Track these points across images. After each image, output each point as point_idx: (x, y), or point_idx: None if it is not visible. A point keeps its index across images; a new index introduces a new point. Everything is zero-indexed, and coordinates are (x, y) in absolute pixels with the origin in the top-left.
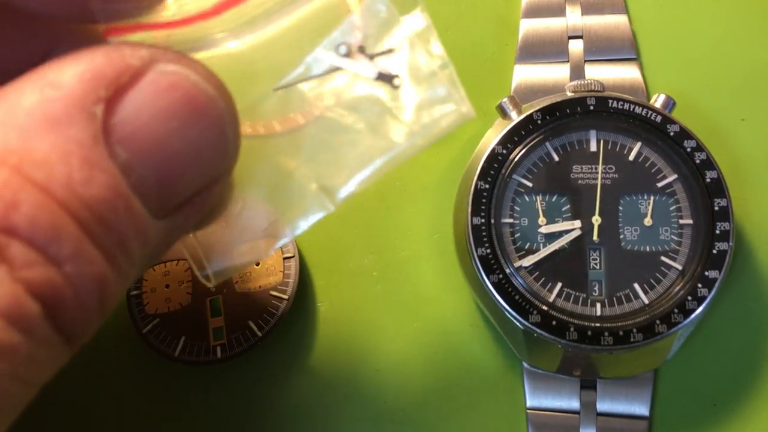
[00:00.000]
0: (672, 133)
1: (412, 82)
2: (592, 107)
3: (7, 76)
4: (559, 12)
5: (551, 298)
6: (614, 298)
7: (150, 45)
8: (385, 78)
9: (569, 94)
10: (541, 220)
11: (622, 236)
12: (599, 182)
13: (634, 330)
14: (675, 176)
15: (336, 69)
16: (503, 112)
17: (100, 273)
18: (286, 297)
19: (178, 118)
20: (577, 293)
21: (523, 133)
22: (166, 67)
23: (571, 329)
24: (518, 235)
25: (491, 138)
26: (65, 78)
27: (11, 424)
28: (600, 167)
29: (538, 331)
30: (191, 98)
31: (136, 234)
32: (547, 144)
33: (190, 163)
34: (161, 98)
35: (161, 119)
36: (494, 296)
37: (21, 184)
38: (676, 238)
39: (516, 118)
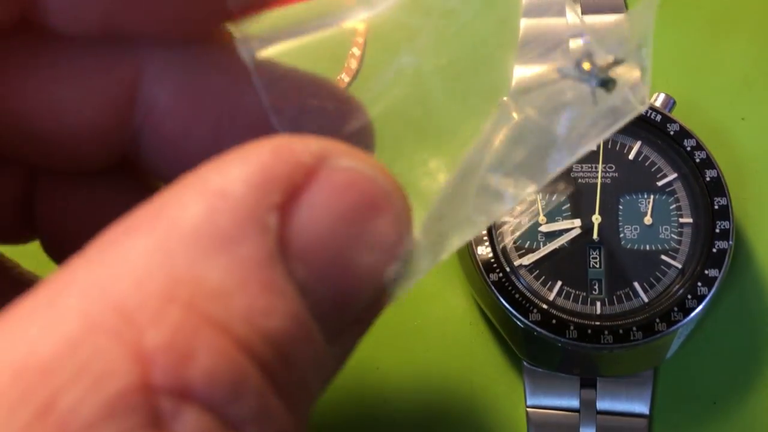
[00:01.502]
0: (672, 132)
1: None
2: None
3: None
4: (559, 11)
5: (551, 297)
6: (614, 297)
7: (317, 137)
8: (603, 83)
9: None
10: (541, 218)
11: (622, 235)
12: (599, 181)
13: (634, 328)
14: (675, 175)
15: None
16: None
17: (285, 427)
18: None
19: (358, 223)
20: (577, 292)
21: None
22: (340, 162)
23: (571, 328)
24: (518, 233)
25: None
26: (232, 183)
27: None
28: (600, 166)
29: (538, 329)
30: (370, 198)
31: (316, 368)
32: None
33: (368, 274)
34: (340, 200)
35: (341, 226)
36: (495, 295)
37: (196, 326)
38: (676, 237)
39: (516, 117)
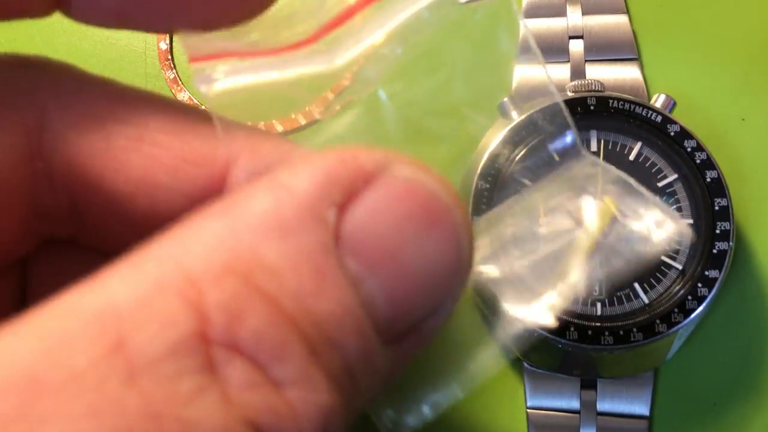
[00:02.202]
0: (672, 133)
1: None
2: (592, 107)
3: None
4: (560, 12)
5: None
6: (614, 298)
7: (382, 150)
8: None
9: (570, 94)
10: (542, 219)
11: None
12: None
13: (635, 329)
14: (675, 176)
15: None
16: (504, 112)
17: (324, 401)
18: None
19: (413, 228)
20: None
21: (523, 133)
22: (401, 171)
23: (572, 329)
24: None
25: (492, 138)
26: (297, 181)
27: None
28: None
29: (539, 330)
30: (427, 206)
31: (363, 359)
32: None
33: (423, 280)
34: (396, 205)
35: (396, 228)
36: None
37: (249, 294)
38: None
39: (516, 118)
